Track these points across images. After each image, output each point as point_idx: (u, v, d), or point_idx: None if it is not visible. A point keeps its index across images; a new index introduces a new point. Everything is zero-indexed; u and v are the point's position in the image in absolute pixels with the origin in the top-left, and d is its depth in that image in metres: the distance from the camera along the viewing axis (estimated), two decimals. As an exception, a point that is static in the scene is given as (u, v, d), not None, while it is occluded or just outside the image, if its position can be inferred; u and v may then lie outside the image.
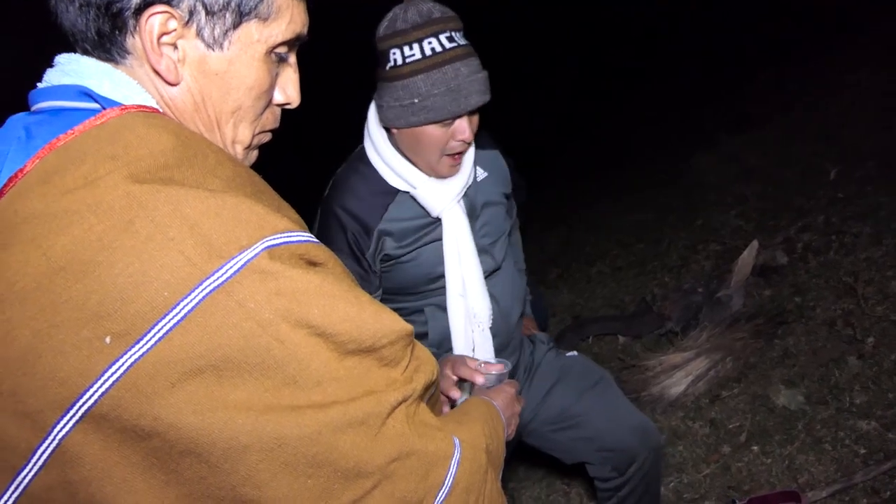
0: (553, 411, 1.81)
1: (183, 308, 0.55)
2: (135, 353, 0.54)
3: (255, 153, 0.82)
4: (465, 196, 1.63)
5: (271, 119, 0.81)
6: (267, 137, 0.83)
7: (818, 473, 2.20)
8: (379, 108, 1.48)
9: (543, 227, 5.72)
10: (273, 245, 0.59)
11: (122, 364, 0.54)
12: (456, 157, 1.52)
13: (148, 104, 0.69)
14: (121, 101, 0.68)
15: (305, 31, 0.78)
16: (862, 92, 4.77)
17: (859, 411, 2.34)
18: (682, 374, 2.94)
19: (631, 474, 1.80)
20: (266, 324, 0.57)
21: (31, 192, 0.59)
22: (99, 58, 0.70)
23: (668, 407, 2.83)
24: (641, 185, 5.67)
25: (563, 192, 6.66)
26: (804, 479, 2.20)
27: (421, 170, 1.53)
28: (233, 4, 0.69)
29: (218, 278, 0.56)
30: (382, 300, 1.64)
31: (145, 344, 0.54)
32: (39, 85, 0.71)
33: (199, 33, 0.69)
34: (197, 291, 0.55)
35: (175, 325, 0.54)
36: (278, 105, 0.81)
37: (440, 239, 1.60)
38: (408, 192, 1.56)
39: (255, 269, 0.57)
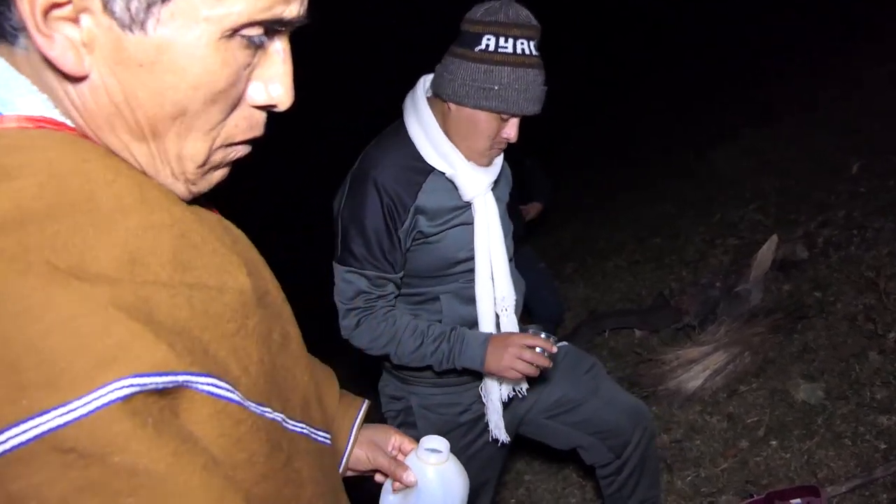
0: (549, 399, 1.85)
1: None
2: None
3: (218, 173, 0.60)
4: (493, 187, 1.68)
5: (243, 126, 0.58)
6: (239, 151, 0.60)
7: (837, 468, 2.19)
8: (447, 82, 1.51)
9: (559, 220, 5.70)
10: (121, 397, 0.41)
11: None
12: (495, 150, 1.60)
13: (37, 112, 0.51)
14: None
15: (296, 9, 0.54)
16: (885, 85, 4.70)
17: (880, 406, 2.32)
18: (699, 368, 2.93)
19: (628, 455, 1.87)
20: None
21: None
22: None
23: (686, 401, 2.82)
24: (659, 177, 5.63)
25: (580, 185, 6.63)
26: (823, 474, 2.19)
27: (461, 154, 1.58)
28: None
29: None
30: (401, 284, 1.66)
31: None
32: None
33: (106, 7, 0.47)
34: None
35: None
36: (258, 107, 0.58)
37: (467, 223, 1.64)
38: (443, 174, 1.59)
39: (60, 445, 0.39)
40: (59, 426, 0.39)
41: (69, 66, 0.48)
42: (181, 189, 0.58)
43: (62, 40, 0.47)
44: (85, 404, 0.39)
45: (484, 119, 1.52)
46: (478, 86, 1.47)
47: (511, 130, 1.54)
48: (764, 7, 7.36)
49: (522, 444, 2.10)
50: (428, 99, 1.61)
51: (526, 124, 1.57)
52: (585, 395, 1.85)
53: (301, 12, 0.54)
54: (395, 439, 0.99)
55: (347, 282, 1.60)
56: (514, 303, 1.73)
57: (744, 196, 4.35)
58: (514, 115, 1.52)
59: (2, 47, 0.51)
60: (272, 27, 0.53)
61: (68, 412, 0.39)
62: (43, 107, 0.51)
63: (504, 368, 1.57)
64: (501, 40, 1.45)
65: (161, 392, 0.43)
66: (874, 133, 4.14)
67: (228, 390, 0.50)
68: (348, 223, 1.57)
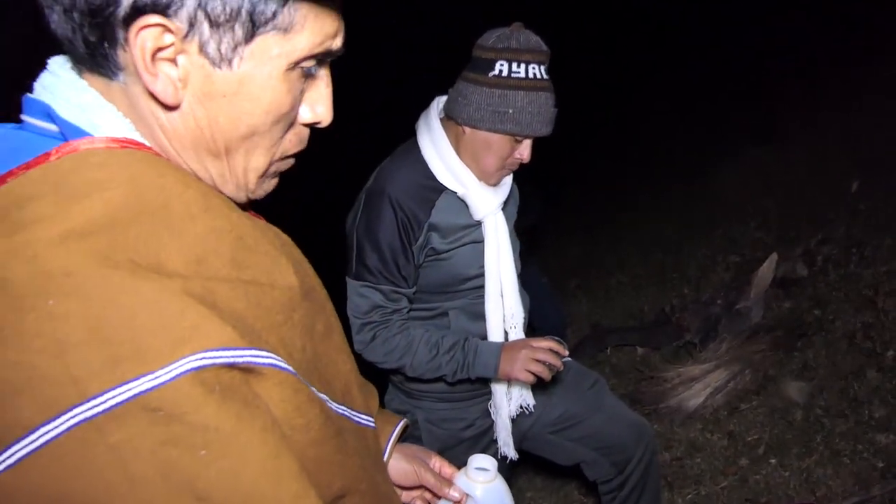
0: (553, 415, 1.88)
1: (42, 436, 0.45)
2: None
3: (272, 181, 0.71)
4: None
5: (295, 142, 0.69)
6: (289, 163, 0.71)
7: (836, 486, 2.21)
8: (461, 106, 1.57)
9: (563, 236, 5.75)
10: (194, 368, 0.48)
11: None
12: (507, 171, 1.66)
13: (122, 134, 0.60)
14: (87, 130, 0.59)
15: (340, 42, 0.65)
16: (885, 104, 4.74)
17: (878, 424, 2.34)
18: (700, 385, 2.95)
19: (630, 471, 1.89)
20: (137, 481, 0.46)
21: None
22: (90, 70, 0.60)
23: (687, 419, 2.85)
24: (662, 194, 5.67)
25: (584, 201, 6.68)
26: (822, 492, 2.21)
27: (473, 174, 1.64)
28: (243, 14, 0.57)
29: (94, 407, 0.46)
30: (413, 299, 1.71)
31: None
32: (29, 95, 0.64)
33: (202, 49, 0.57)
34: (64, 419, 0.45)
35: (28, 453, 0.45)
36: (305, 125, 0.69)
37: (477, 241, 1.69)
38: (454, 193, 1.64)
39: (148, 405, 0.46)
40: (146, 390, 0.46)
41: (168, 98, 0.58)
42: (241, 197, 0.68)
43: (164, 77, 0.57)
44: (167, 373, 0.47)
45: (498, 141, 1.57)
46: (492, 109, 1.53)
47: (525, 151, 1.60)
48: (764, 25, 7.43)
49: (524, 461, 2.13)
50: (441, 120, 1.66)
51: (535, 144, 1.63)
52: (589, 411, 1.88)
53: (342, 44, 0.66)
54: (436, 461, 1.05)
55: (362, 296, 1.64)
56: (522, 319, 1.78)
57: (745, 213, 4.39)
58: (527, 137, 1.58)
59: (97, 81, 0.60)
60: (322, 58, 0.65)
61: (154, 378, 0.47)
62: (127, 130, 0.60)
63: (517, 370, 1.60)
64: (514, 65, 1.51)
65: (229, 366, 0.51)
66: (874, 151, 4.18)
67: (286, 365, 0.58)
68: (363, 238, 1.62)
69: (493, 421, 1.81)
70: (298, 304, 0.66)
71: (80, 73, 0.61)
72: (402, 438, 1.02)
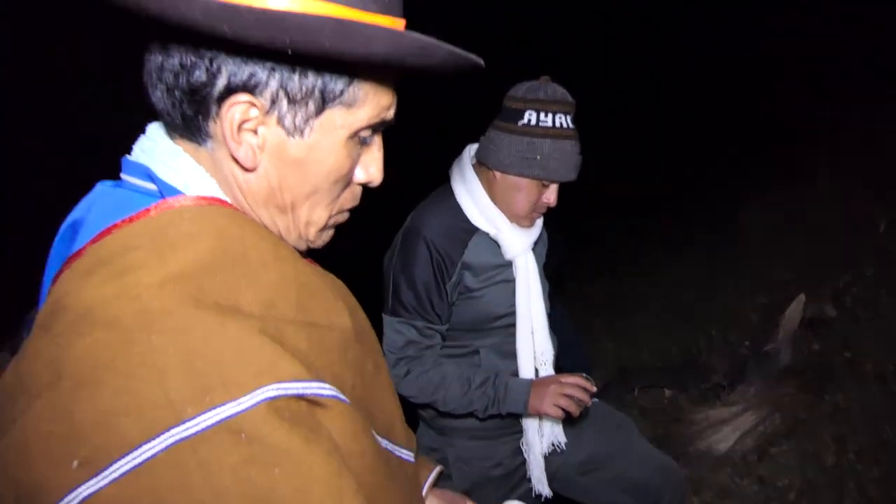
0: (581, 456, 1.90)
1: (143, 453, 0.52)
2: (91, 485, 0.52)
3: (329, 233, 0.80)
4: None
5: (350, 198, 0.78)
6: (344, 217, 0.80)
7: (870, 534, 2.18)
8: (492, 153, 1.68)
9: (588, 276, 5.76)
10: (270, 398, 0.56)
11: (78, 494, 0.52)
12: (536, 214, 1.75)
13: (209, 193, 0.69)
14: (181, 189, 0.68)
15: (392, 112, 0.74)
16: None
17: (912, 471, 2.31)
18: (729, 429, 2.93)
19: None
20: (221, 494, 0.52)
21: (77, 281, 0.61)
22: (182, 136, 0.70)
23: (716, 463, 2.82)
24: (689, 233, 5.67)
25: (610, 240, 6.70)
26: (856, 540, 2.18)
27: (505, 216, 1.73)
28: (317, 92, 0.67)
29: (188, 428, 0.52)
30: (446, 336, 1.78)
31: (101, 479, 0.52)
32: (128, 156, 0.74)
33: (280, 121, 0.67)
34: (162, 438, 0.52)
35: (131, 469, 0.51)
36: (359, 184, 0.78)
37: (508, 281, 1.77)
38: (486, 233, 1.73)
39: (232, 429, 0.53)
40: (231, 415, 0.54)
41: (248, 162, 0.68)
42: (302, 245, 0.77)
43: (246, 145, 0.67)
44: (248, 401, 0.54)
45: (527, 185, 1.67)
46: (521, 156, 1.63)
47: (551, 196, 1.69)
48: (788, 66, 7.48)
49: (555, 501, 2.14)
50: (473, 166, 1.77)
51: (562, 188, 1.72)
52: (617, 452, 1.90)
53: (394, 114, 0.75)
54: None
55: (398, 332, 1.71)
56: (552, 357, 1.83)
57: (772, 253, 4.38)
58: (553, 182, 1.67)
59: (187, 145, 0.70)
60: (377, 127, 0.74)
61: (237, 405, 0.54)
62: (213, 189, 0.70)
63: (547, 405, 1.65)
64: (542, 115, 1.62)
65: (298, 397, 0.58)
66: (901, 190, 4.16)
67: (345, 398, 0.65)
68: (399, 276, 1.71)
69: (522, 460, 1.84)
70: (352, 344, 0.75)
71: (172, 138, 0.71)
72: (436, 484, 1.07)
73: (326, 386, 0.62)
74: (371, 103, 0.70)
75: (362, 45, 0.62)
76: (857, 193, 4.48)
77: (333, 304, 0.74)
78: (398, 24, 0.70)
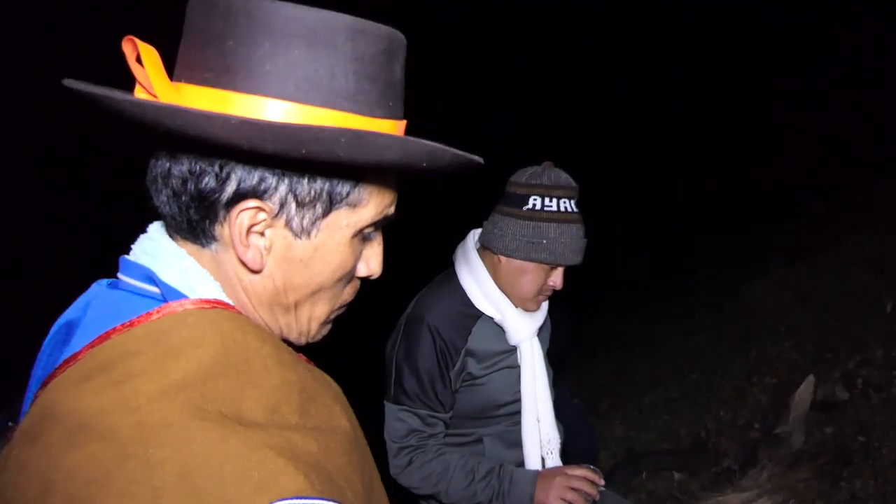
0: None
1: None
2: None
3: (328, 327, 0.80)
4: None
5: (351, 293, 0.79)
6: (342, 310, 0.80)
7: None
8: (497, 238, 1.68)
9: (595, 355, 5.70)
10: None
11: None
12: (542, 297, 1.74)
13: (213, 296, 0.68)
14: (185, 292, 0.67)
15: (393, 209, 0.76)
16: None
17: (937, 566, 2.19)
18: (742, 516, 2.81)
19: None
20: None
21: (72, 388, 0.60)
22: (185, 238, 0.70)
23: (730, 553, 2.69)
24: (695, 311, 5.64)
25: (616, 318, 6.67)
26: None
27: (509, 300, 1.71)
28: (324, 195, 0.68)
29: None
30: (449, 424, 1.73)
31: None
32: (127, 256, 0.73)
33: (288, 223, 0.68)
34: None
35: None
36: (359, 278, 0.79)
37: (512, 367, 1.74)
38: (491, 319, 1.71)
39: None
40: None
41: (256, 265, 0.68)
42: (302, 341, 0.77)
43: (253, 247, 0.68)
44: None
45: (532, 269, 1.67)
46: (527, 240, 1.63)
47: (557, 279, 1.70)
48: (785, 141, 7.66)
49: None
50: (477, 250, 1.77)
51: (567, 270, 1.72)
52: None
53: (395, 210, 0.77)
54: None
55: (400, 420, 1.67)
56: (558, 445, 1.79)
57: (779, 332, 4.33)
58: (559, 265, 1.67)
59: (191, 247, 0.70)
60: (379, 224, 0.76)
61: None
62: (216, 292, 0.69)
63: (553, 499, 1.61)
64: (546, 200, 1.64)
65: None
66: (906, 270, 4.16)
67: None
68: (402, 363, 1.68)
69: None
70: (353, 448, 0.73)
71: (174, 238, 0.71)
72: None
73: (328, 502, 0.59)
74: (375, 202, 0.72)
75: (375, 154, 0.63)
76: (860, 273, 4.48)
77: (332, 407, 0.73)
78: (401, 126, 0.73)
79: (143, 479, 0.52)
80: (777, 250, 5.71)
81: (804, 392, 3.26)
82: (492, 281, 1.71)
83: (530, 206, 1.64)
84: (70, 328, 0.68)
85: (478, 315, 1.72)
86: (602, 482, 1.64)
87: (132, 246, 0.73)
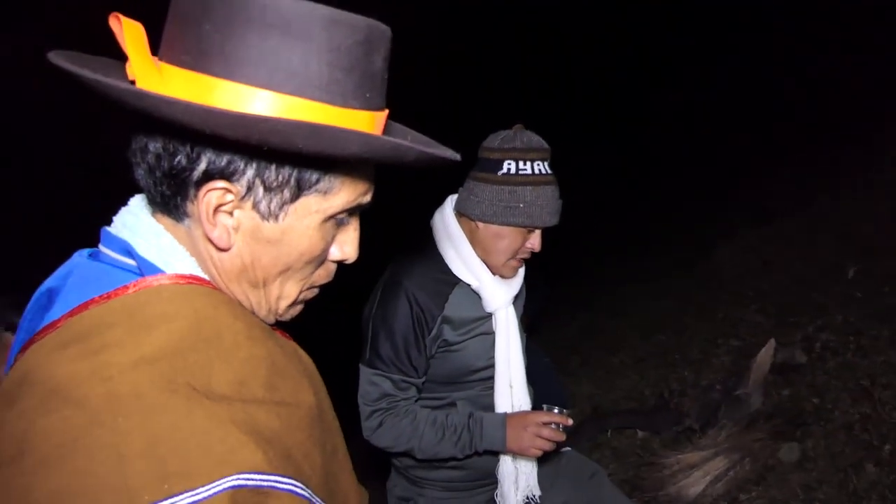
0: None
1: None
2: None
3: (298, 307, 0.82)
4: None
5: (323, 275, 0.80)
6: (314, 293, 0.82)
7: (836, 586, 2.19)
8: (474, 204, 1.68)
9: (566, 311, 5.80)
10: (228, 488, 0.56)
11: None
12: (519, 261, 1.75)
13: (188, 271, 0.70)
14: (161, 267, 0.69)
15: (369, 197, 0.77)
16: (884, 188, 4.87)
17: (878, 522, 2.33)
18: (700, 473, 2.94)
19: None
20: None
21: (51, 355, 0.62)
22: (162, 213, 0.72)
23: (687, 508, 2.83)
24: (664, 273, 5.75)
25: (587, 277, 6.77)
26: (822, 592, 2.18)
27: (487, 267, 1.72)
28: (292, 181, 0.69)
29: None
30: (422, 389, 1.77)
31: None
32: (108, 228, 0.75)
33: (255, 206, 0.69)
34: None
35: None
36: (334, 261, 0.80)
37: (487, 333, 1.77)
38: (468, 285, 1.73)
39: None
40: None
41: (222, 243, 0.70)
42: (271, 319, 0.79)
43: (221, 226, 0.69)
44: (206, 490, 0.55)
45: (510, 233, 1.68)
46: (504, 205, 1.64)
47: (535, 241, 1.71)
48: (756, 102, 7.70)
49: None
50: (454, 216, 1.76)
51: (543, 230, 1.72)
52: (589, 502, 1.91)
53: (371, 197, 0.77)
54: None
55: (373, 384, 1.70)
56: (529, 409, 1.83)
57: (745, 295, 4.44)
58: (537, 228, 1.68)
59: (167, 221, 0.72)
60: (353, 210, 0.77)
61: (195, 495, 0.54)
62: (192, 268, 0.71)
63: (526, 448, 1.67)
64: (521, 164, 1.64)
65: (255, 489, 0.58)
66: (871, 237, 4.27)
67: (303, 489, 0.65)
68: (379, 328, 1.70)
69: (495, 511, 1.83)
70: (316, 423, 0.76)
71: (153, 212, 0.73)
72: None
73: (285, 479, 0.62)
74: (347, 191, 0.73)
75: (336, 147, 0.64)
76: (825, 238, 4.59)
77: (299, 382, 0.76)
78: (380, 116, 0.73)
79: (111, 445, 0.55)
80: (744, 215, 5.81)
81: (765, 355, 3.39)
82: (470, 247, 1.72)
83: (505, 170, 1.64)
84: (51, 296, 0.70)
85: (455, 282, 1.73)
86: (569, 422, 1.69)
87: (114, 217, 0.75)
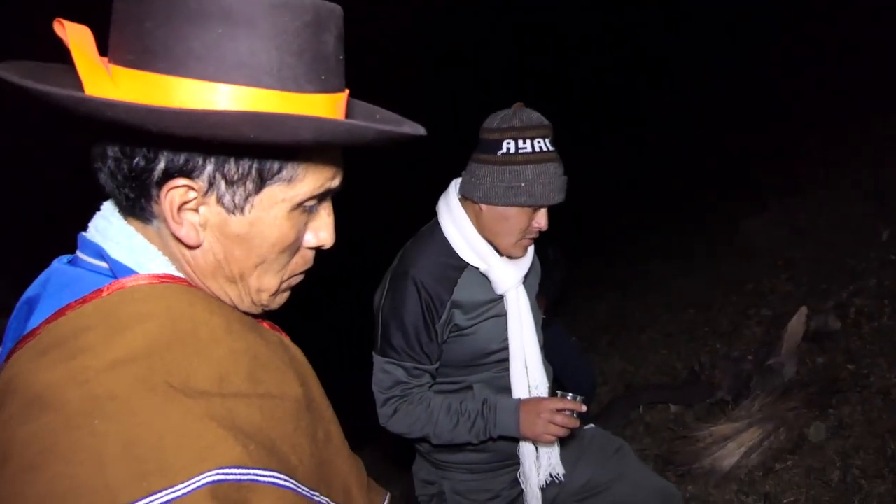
0: (578, 483, 1.89)
1: None
2: None
3: (284, 295, 0.81)
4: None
5: (301, 263, 0.79)
6: (298, 279, 0.81)
7: (876, 551, 2.16)
8: (476, 186, 1.66)
9: (593, 293, 5.77)
10: (209, 483, 0.57)
11: None
12: (528, 241, 1.73)
13: (161, 270, 0.70)
14: (133, 268, 0.69)
15: (338, 181, 0.76)
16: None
17: (918, 486, 2.29)
18: (734, 445, 2.92)
19: None
20: None
21: (30, 363, 0.63)
22: (130, 215, 0.71)
23: (721, 480, 2.81)
24: (692, 248, 5.68)
25: (614, 256, 6.72)
26: (862, 558, 2.16)
27: (495, 249, 1.71)
28: (254, 172, 0.68)
29: None
30: (436, 374, 1.78)
31: None
32: (84, 234, 0.75)
33: (219, 200, 0.68)
34: None
35: None
36: (310, 248, 0.79)
37: (499, 315, 1.76)
38: (476, 269, 1.72)
39: None
40: (168, 501, 0.55)
41: (191, 240, 0.70)
42: (257, 310, 0.79)
43: (187, 224, 0.69)
44: (185, 487, 0.56)
45: (515, 214, 1.65)
46: (506, 185, 1.62)
47: (542, 220, 1.68)
48: (786, 75, 7.52)
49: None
50: (459, 200, 1.75)
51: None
52: (613, 478, 1.89)
53: (341, 181, 0.76)
54: None
55: (386, 372, 1.71)
56: (546, 390, 1.82)
57: (775, 266, 4.37)
58: (541, 206, 1.66)
59: (137, 223, 0.72)
60: (322, 196, 0.75)
61: (174, 492, 0.55)
62: (165, 267, 0.71)
63: (539, 434, 1.66)
64: (521, 142, 1.61)
65: (235, 483, 0.59)
66: (903, 199, 4.16)
67: (287, 480, 0.66)
68: (389, 317, 1.70)
69: (518, 491, 1.84)
70: (304, 413, 0.76)
71: (124, 216, 0.73)
72: None
73: (266, 472, 0.63)
74: (313, 177, 0.71)
75: (287, 134, 0.63)
76: (857, 204, 4.48)
77: (285, 374, 0.76)
78: (339, 98, 0.72)
79: (89, 447, 0.56)
80: (774, 185, 5.70)
81: (796, 323, 3.33)
82: (475, 231, 1.71)
83: (504, 150, 1.62)
84: (31, 304, 0.71)
85: (463, 266, 1.72)
86: (583, 408, 1.67)
87: (89, 224, 0.76)
